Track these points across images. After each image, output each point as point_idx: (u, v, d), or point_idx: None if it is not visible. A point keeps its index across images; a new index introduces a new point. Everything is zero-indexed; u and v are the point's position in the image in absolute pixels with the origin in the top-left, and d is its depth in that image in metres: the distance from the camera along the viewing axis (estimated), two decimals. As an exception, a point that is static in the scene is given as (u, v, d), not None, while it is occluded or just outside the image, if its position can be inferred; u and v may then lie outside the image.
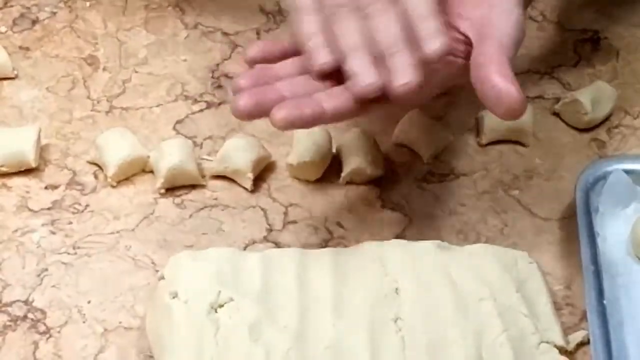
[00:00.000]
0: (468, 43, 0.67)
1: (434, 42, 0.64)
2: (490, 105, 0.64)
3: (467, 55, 0.66)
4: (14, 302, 0.69)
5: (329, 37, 0.66)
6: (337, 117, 0.65)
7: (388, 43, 0.64)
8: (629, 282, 0.69)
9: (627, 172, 0.73)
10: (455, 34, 0.67)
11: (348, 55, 0.65)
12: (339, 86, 0.65)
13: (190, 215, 0.75)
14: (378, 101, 0.65)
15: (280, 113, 0.62)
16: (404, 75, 0.63)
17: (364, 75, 0.64)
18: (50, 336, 0.67)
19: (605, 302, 0.67)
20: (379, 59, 0.64)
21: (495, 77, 0.63)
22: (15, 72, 0.83)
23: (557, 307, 0.68)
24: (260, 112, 0.63)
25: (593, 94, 0.80)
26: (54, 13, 0.88)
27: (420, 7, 0.65)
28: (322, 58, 0.65)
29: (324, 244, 0.73)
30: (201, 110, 0.82)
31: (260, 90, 0.64)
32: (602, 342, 0.64)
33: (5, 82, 0.83)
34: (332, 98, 0.64)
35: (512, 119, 0.65)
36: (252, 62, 0.67)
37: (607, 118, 0.81)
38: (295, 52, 0.67)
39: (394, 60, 0.64)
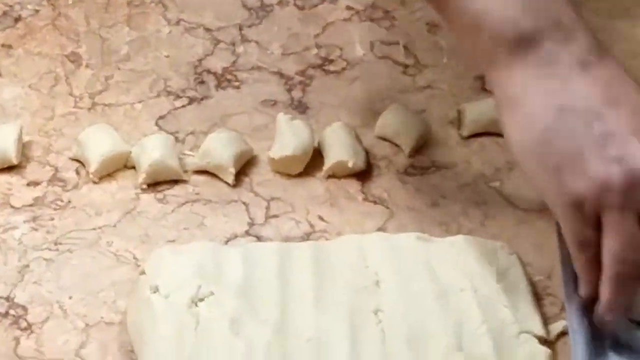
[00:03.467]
0: None
1: None
2: None
3: None
4: (-4, 298, 0.69)
5: None
6: None
7: None
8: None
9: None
10: None
11: None
12: None
13: (172, 210, 0.75)
14: None
15: None
16: None
17: None
18: (32, 332, 0.67)
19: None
20: None
21: None
22: (-2, 69, 0.84)
23: (537, 298, 0.69)
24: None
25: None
26: (37, 11, 0.88)
27: None
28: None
29: (306, 238, 0.73)
30: (183, 106, 0.82)
31: None
32: (580, 334, 0.65)
33: (-13, 80, 0.83)
34: None
35: None
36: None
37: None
38: None
39: None
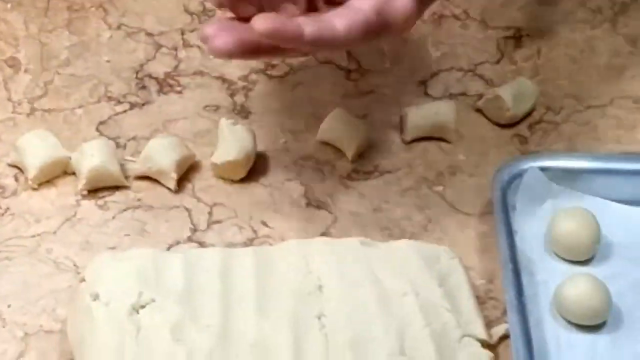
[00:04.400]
0: None
1: None
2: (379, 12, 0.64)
3: None
4: None
5: None
6: (317, 42, 0.62)
7: None
8: (547, 279, 0.69)
9: (543, 169, 0.73)
10: None
11: None
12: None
13: (114, 217, 0.74)
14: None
15: (262, 23, 0.61)
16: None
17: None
18: (-31, 341, 0.66)
19: (524, 298, 0.67)
20: None
21: None
22: None
23: (479, 301, 0.69)
24: (241, 42, 0.63)
25: (515, 90, 0.81)
26: (-26, 15, 0.87)
27: None
28: None
29: (249, 243, 0.73)
30: (125, 111, 0.81)
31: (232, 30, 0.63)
32: (522, 339, 0.65)
33: None
34: (316, 22, 0.62)
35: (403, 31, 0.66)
36: (219, 5, 0.66)
37: (528, 114, 0.82)
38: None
39: None
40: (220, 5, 0.66)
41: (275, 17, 0.62)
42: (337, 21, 0.63)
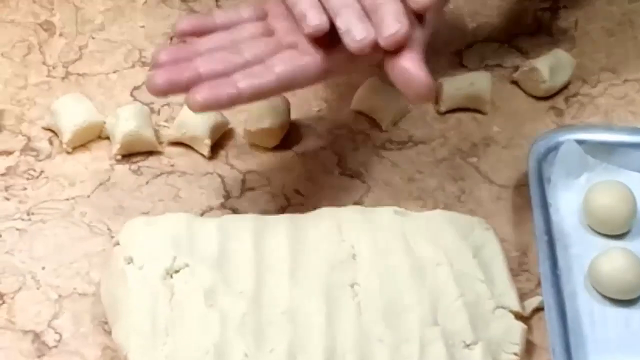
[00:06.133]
0: None
1: None
2: (400, 89, 0.65)
3: None
4: (-33, 268, 0.68)
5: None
6: (254, 96, 0.65)
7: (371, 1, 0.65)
8: (582, 252, 0.69)
9: (579, 142, 0.73)
10: None
11: (339, 13, 0.65)
12: (259, 64, 0.65)
13: (147, 182, 0.74)
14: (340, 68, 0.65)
15: (197, 97, 0.63)
16: (393, 25, 0.64)
17: (356, 31, 0.64)
18: (4, 302, 0.67)
19: (558, 271, 0.67)
20: (368, 14, 0.65)
21: (405, 63, 0.64)
22: (-30, 37, 0.82)
23: (513, 274, 0.69)
24: (174, 90, 0.64)
25: (551, 63, 0.80)
26: (10, -22, 0.87)
27: None
28: (316, 19, 0.65)
29: (282, 211, 0.73)
30: (159, 77, 0.81)
31: (177, 68, 0.64)
32: (556, 312, 0.65)
33: (-41, 48, 0.82)
34: (249, 77, 0.64)
35: (422, 102, 0.68)
36: (181, 36, 0.68)
37: (565, 87, 0.81)
38: (225, 26, 0.67)
39: (380, 11, 0.64)
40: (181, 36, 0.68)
41: (208, 88, 0.63)
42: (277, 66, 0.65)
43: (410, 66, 0.64)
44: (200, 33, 0.67)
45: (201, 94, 0.63)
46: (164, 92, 0.64)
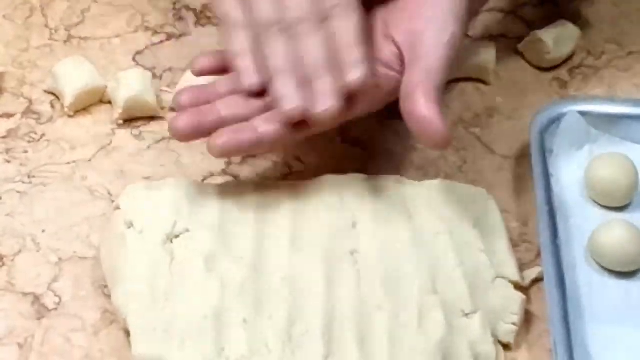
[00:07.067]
0: (402, 59, 0.66)
1: (355, 72, 0.64)
2: (416, 135, 0.64)
3: (403, 71, 0.66)
4: (-33, 230, 0.68)
5: (258, 56, 0.66)
6: (275, 144, 0.65)
7: (313, 67, 0.65)
8: (582, 224, 0.69)
9: (582, 113, 0.73)
10: (391, 47, 0.67)
11: (274, 78, 0.65)
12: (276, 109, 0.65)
13: (148, 147, 0.74)
14: (309, 125, 0.65)
15: (219, 142, 0.63)
16: (324, 101, 0.64)
17: (287, 99, 0.64)
18: (4, 264, 0.67)
19: (558, 242, 0.67)
20: (306, 82, 0.65)
21: (421, 110, 0.63)
22: (-29, -2, 0.82)
23: (513, 244, 0.69)
24: (198, 135, 0.65)
25: (556, 33, 0.80)
26: (12, -60, 0.86)
27: (346, 33, 0.65)
28: (250, 79, 0.66)
29: (283, 179, 0.73)
30: (161, 42, 0.81)
31: (199, 111, 0.65)
32: (555, 283, 0.65)
33: (-40, 10, 0.81)
34: (268, 123, 0.64)
35: (436, 150, 0.68)
36: (199, 74, 0.68)
37: (569, 58, 0.81)
38: None
39: (316, 85, 0.64)
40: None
41: (230, 133, 0.64)
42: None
43: (427, 115, 0.63)
44: (218, 71, 0.67)
45: (222, 139, 0.63)
46: (187, 137, 0.65)
